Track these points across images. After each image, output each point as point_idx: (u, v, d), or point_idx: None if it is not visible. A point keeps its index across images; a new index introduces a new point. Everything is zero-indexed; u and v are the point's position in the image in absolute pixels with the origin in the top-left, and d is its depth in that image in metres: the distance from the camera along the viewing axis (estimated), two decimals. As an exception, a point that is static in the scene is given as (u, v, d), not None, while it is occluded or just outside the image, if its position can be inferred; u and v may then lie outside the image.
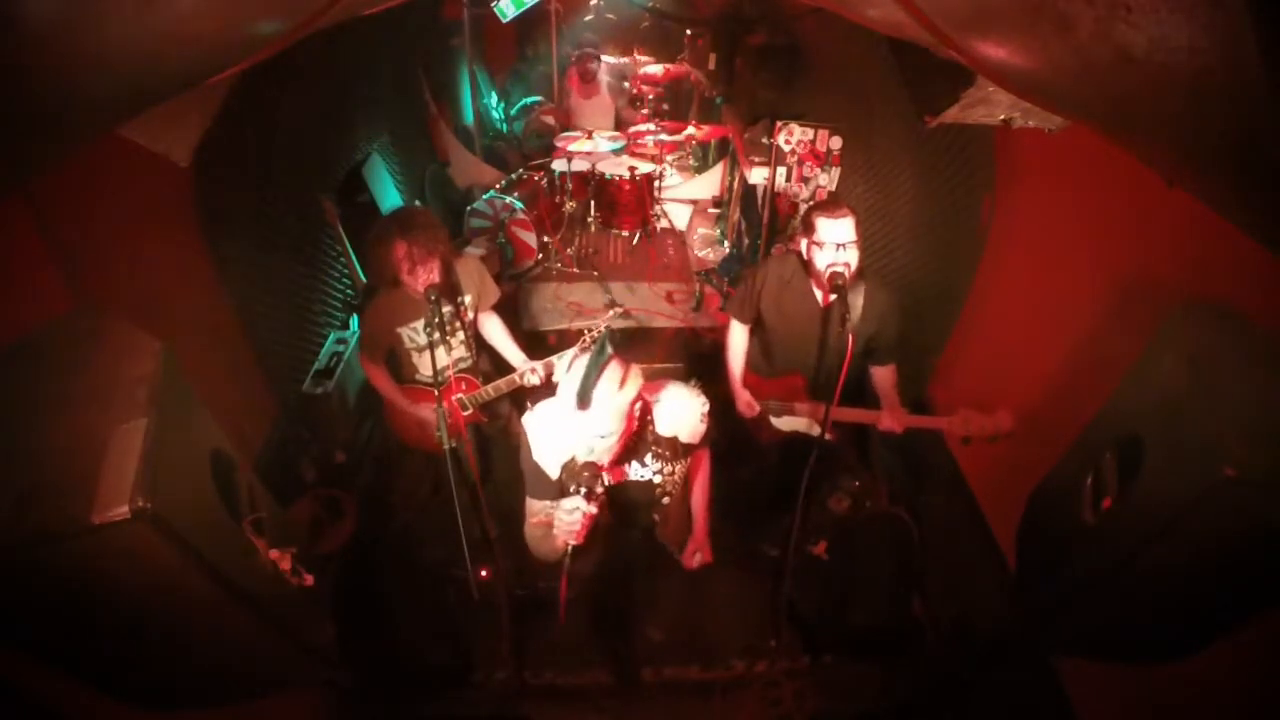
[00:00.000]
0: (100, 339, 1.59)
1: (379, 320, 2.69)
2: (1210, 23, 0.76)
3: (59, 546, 1.27)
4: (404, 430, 2.93)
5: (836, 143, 4.34)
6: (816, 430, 2.69)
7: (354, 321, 3.98)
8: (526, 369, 2.75)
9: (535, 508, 1.99)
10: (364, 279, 4.00)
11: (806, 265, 2.49)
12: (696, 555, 2.35)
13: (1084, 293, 2.45)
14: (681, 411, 1.99)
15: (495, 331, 2.94)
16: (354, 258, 3.94)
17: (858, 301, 2.40)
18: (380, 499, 3.45)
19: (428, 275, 2.44)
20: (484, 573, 2.81)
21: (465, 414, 2.87)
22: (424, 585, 3.01)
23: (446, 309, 2.61)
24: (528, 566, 3.10)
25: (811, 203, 2.49)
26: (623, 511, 2.12)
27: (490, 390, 2.81)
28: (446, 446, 2.42)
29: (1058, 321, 2.64)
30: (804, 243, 2.48)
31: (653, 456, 2.01)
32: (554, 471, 1.91)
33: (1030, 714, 2.47)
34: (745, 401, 2.72)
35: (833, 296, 2.35)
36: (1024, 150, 2.74)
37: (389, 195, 4.56)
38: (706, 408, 2.03)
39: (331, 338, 3.70)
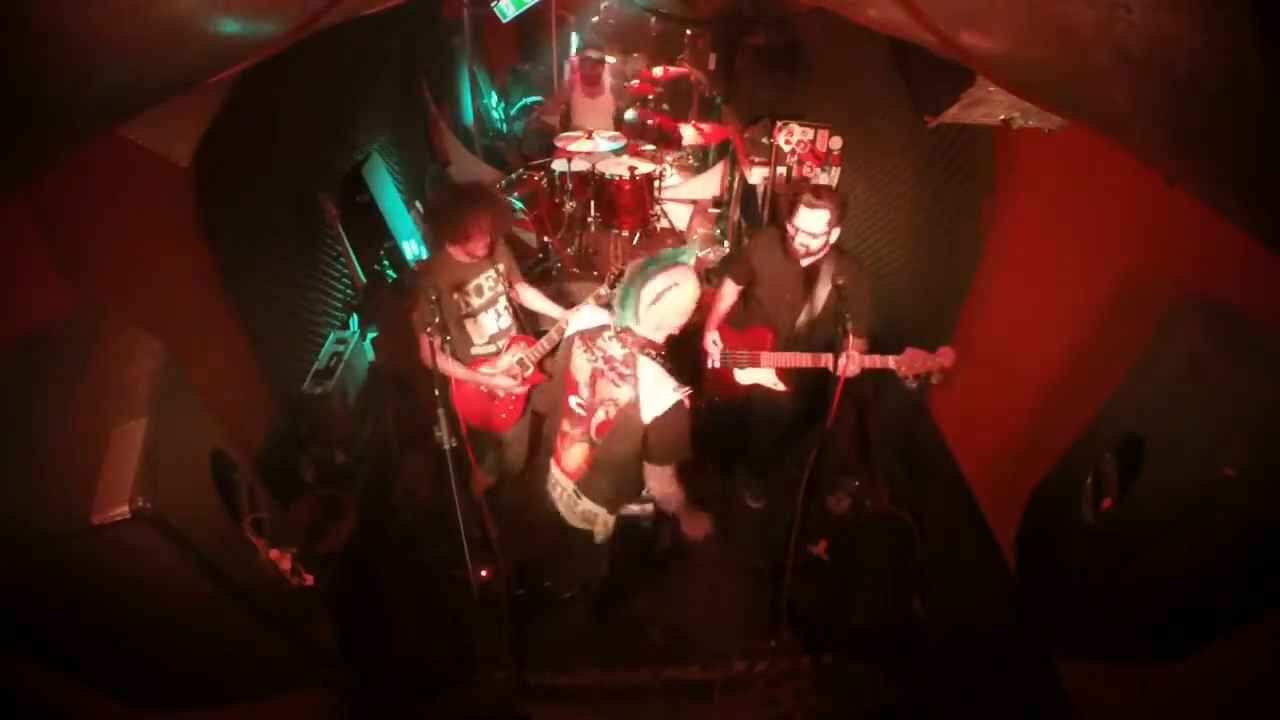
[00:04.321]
0: (100, 339, 1.60)
1: (435, 285, 2.70)
2: (1209, 23, 0.76)
3: (59, 547, 1.27)
4: (470, 412, 2.92)
5: (836, 143, 4.34)
6: (776, 384, 2.85)
7: (354, 321, 3.98)
8: (571, 312, 2.82)
9: (666, 472, 2.18)
10: (364, 279, 4.00)
11: (785, 237, 2.67)
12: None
13: (1084, 292, 2.45)
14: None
15: (535, 299, 3.08)
16: (354, 258, 3.94)
17: (829, 271, 2.64)
18: (380, 499, 3.45)
19: (483, 248, 2.73)
20: (484, 573, 2.81)
21: (528, 374, 2.94)
22: (424, 585, 3.02)
23: (488, 278, 2.85)
24: (528, 566, 3.12)
25: (808, 188, 2.66)
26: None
27: (545, 343, 2.89)
28: (446, 446, 2.43)
29: (1058, 321, 2.64)
30: (787, 221, 2.66)
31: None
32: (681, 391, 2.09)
33: (1030, 714, 2.46)
34: (710, 340, 2.89)
35: (805, 262, 2.65)
36: (1024, 150, 2.74)
37: (389, 195, 4.56)
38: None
39: (331, 338, 3.70)
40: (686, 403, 2.06)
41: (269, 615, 1.73)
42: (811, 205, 2.50)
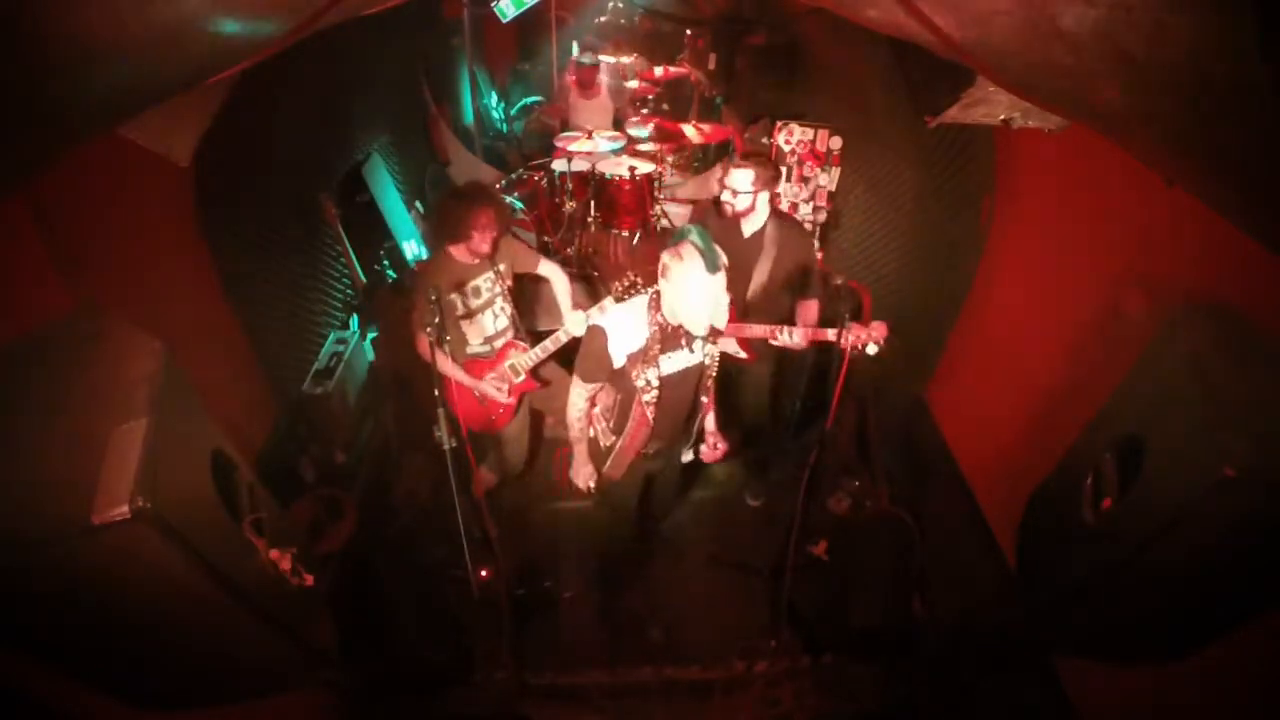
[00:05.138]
0: (101, 339, 1.60)
1: (435, 284, 2.70)
2: (1209, 23, 0.76)
3: (59, 547, 1.27)
4: (468, 415, 2.91)
5: (836, 143, 4.34)
6: (739, 352, 2.94)
7: (354, 321, 3.98)
8: (573, 321, 2.85)
9: (582, 390, 2.30)
10: (364, 279, 4.00)
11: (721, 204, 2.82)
12: (718, 446, 2.49)
13: (1084, 293, 2.45)
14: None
15: (557, 278, 3.05)
16: (354, 258, 3.94)
17: (775, 236, 2.78)
18: (380, 499, 3.45)
19: (486, 245, 2.74)
20: (484, 573, 2.81)
21: (518, 381, 2.94)
22: (424, 585, 3.02)
23: (487, 279, 2.86)
24: (528, 566, 3.12)
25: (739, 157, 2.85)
26: (672, 403, 2.31)
27: (539, 351, 2.91)
28: (446, 446, 2.43)
29: (1058, 321, 2.64)
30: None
31: (700, 340, 2.27)
32: (620, 361, 2.19)
33: (1030, 714, 2.46)
34: None
35: (750, 232, 2.81)
36: (1024, 150, 2.74)
37: (389, 195, 4.56)
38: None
39: (331, 338, 3.69)
40: (609, 344, 2.16)
41: (269, 615, 1.72)
42: (739, 165, 2.72)
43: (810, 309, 2.87)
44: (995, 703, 2.56)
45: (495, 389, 2.90)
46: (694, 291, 2.03)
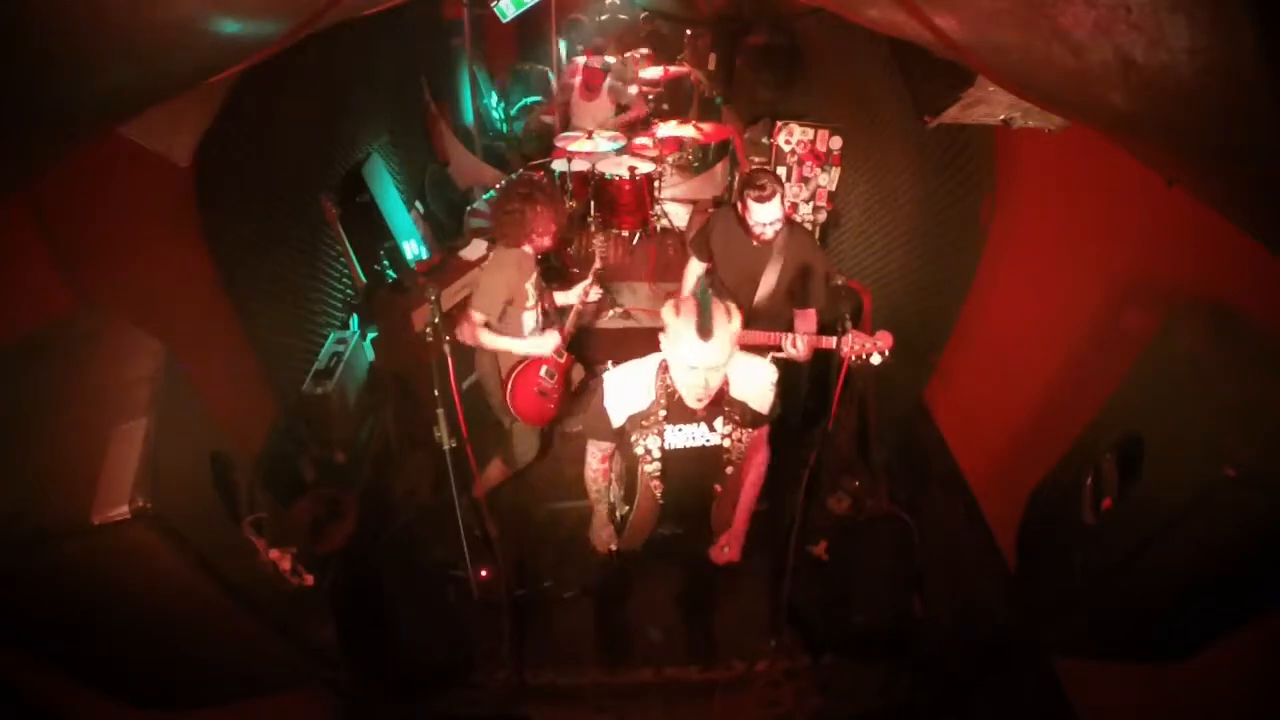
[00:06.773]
0: (101, 340, 1.59)
1: (510, 275, 2.81)
2: (1210, 23, 0.76)
3: (59, 546, 1.27)
4: (528, 409, 2.98)
5: (836, 143, 4.34)
6: None
7: (354, 321, 3.98)
8: (578, 294, 3.06)
9: (595, 449, 2.17)
10: (364, 279, 4.01)
11: (742, 221, 2.78)
12: (725, 550, 2.33)
13: (1084, 292, 2.45)
14: (756, 375, 2.01)
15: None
16: (354, 258, 3.94)
17: (784, 244, 2.75)
18: (380, 499, 3.45)
19: (547, 240, 2.87)
20: (484, 573, 2.81)
21: (561, 360, 3.06)
22: (424, 585, 3.02)
23: (535, 274, 2.95)
24: (528, 566, 3.12)
25: (749, 179, 2.75)
26: (684, 481, 2.13)
27: (570, 326, 3.08)
28: (446, 447, 2.43)
29: (1058, 321, 2.64)
30: (739, 205, 2.77)
31: (723, 419, 2.01)
32: (619, 420, 2.03)
33: (1030, 714, 2.46)
34: None
35: (765, 236, 2.75)
36: (1024, 150, 2.74)
37: (389, 195, 4.56)
38: (776, 377, 2.04)
39: (331, 338, 3.70)
40: (605, 399, 2.02)
41: (269, 615, 1.72)
42: (762, 199, 2.61)
43: (809, 318, 2.83)
44: (995, 703, 2.56)
45: (554, 339, 2.99)
46: (683, 352, 1.80)
